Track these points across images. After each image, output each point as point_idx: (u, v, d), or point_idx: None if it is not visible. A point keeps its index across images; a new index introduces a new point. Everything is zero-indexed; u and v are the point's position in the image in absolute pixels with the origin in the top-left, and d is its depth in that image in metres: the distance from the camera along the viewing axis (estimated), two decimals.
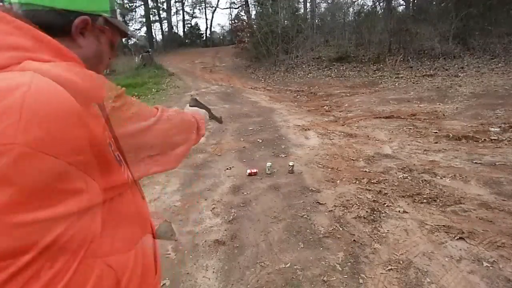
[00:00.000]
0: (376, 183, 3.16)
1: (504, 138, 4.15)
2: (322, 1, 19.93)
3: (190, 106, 1.04)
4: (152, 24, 26.17)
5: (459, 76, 8.69)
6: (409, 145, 4.24)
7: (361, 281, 1.91)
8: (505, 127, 4.52)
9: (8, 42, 0.48)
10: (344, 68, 12.08)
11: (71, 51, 0.54)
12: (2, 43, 0.47)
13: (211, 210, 2.83)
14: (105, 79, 0.54)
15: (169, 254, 2.25)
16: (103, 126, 0.51)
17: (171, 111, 0.71)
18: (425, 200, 2.78)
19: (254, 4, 19.02)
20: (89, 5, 0.58)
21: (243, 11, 22.08)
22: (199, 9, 32.54)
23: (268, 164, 3.58)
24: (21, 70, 0.45)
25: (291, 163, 3.56)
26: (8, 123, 0.40)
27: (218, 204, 2.93)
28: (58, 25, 0.55)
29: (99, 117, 0.50)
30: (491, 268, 1.94)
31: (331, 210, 2.71)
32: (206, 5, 29.23)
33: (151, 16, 25.70)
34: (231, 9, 29.07)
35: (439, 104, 6.27)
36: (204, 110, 1.05)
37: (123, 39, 0.77)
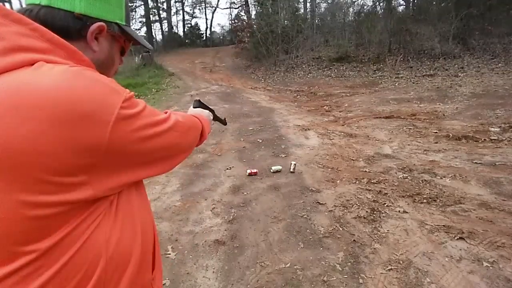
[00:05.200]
0: (376, 183, 3.16)
1: (504, 138, 4.15)
2: (322, 1, 19.94)
3: (194, 107, 1.03)
4: (152, 24, 26.15)
5: (459, 76, 8.69)
6: (409, 145, 4.25)
7: (361, 281, 1.91)
8: (505, 127, 4.52)
9: (22, 43, 0.49)
10: (344, 68, 12.08)
11: (84, 55, 0.57)
12: (16, 44, 0.49)
13: (211, 210, 2.83)
14: (115, 82, 0.55)
15: (169, 254, 2.25)
16: None
17: (180, 116, 0.71)
18: (425, 200, 2.78)
19: (254, 4, 19.01)
20: (106, 13, 0.61)
21: (243, 11, 22.07)
22: (199, 9, 32.60)
23: (278, 167, 3.62)
24: (34, 70, 0.48)
25: (293, 163, 3.57)
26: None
27: (218, 204, 2.93)
28: (74, 29, 0.58)
29: None
30: (491, 268, 1.94)
31: (331, 210, 2.71)
32: (206, 5, 29.21)
33: (151, 16, 25.67)
34: (231, 9, 29.08)
35: (439, 104, 6.27)
36: (208, 111, 1.04)
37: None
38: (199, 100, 1.05)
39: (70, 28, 0.57)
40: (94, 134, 0.47)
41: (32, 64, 0.48)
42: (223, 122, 1.24)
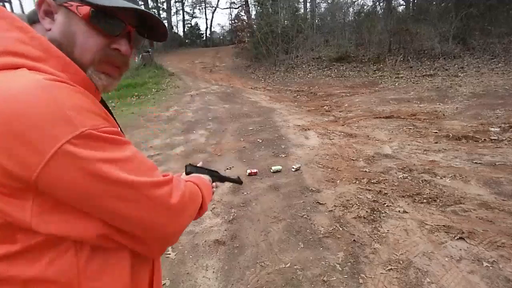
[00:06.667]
0: (376, 183, 3.16)
1: (504, 138, 4.15)
2: (322, 1, 19.94)
3: (187, 173, 0.86)
4: None
5: (459, 76, 8.69)
6: (409, 145, 4.24)
7: (361, 281, 1.91)
8: (505, 127, 4.52)
9: (15, 49, 0.48)
10: (344, 68, 12.08)
11: (75, 65, 0.52)
12: (9, 49, 0.48)
13: (211, 210, 2.83)
14: (83, 111, 0.45)
15: (169, 254, 2.25)
16: None
17: (182, 185, 0.58)
18: (425, 200, 2.78)
19: (254, 4, 19.03)
20: None
21: (243, 11, 22.08)
22: (199, 9, 32.61)
23: (278, 167, 3.65)
24: (9, 73, 0.46)
25: (296, 166, 3.61)
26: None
27: (218, 204, 2.93)
28: (34, 12, 0.56)
29: None
30: (491, 268, 1.94)
31: (331, 210, 2.71)
32: (206, 5, 29.26)
33: None
34: (231, 9, 29.09)
35: (439, 104, 6.27)
36: (207, 176, 0.87)
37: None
38: (190, 164, 0.87)
39: (35, 12, 0.55)
40: (23, 160, 0.41)
41: (16, 68, 0.47)
42: (238, 181, 1.04)
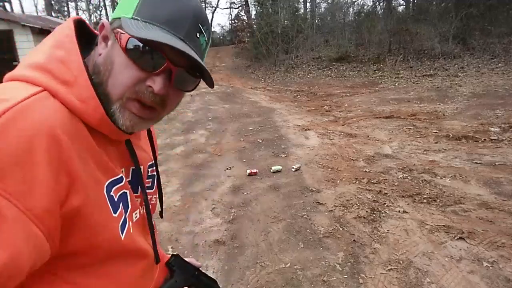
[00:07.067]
0: (376, 183, 3.16)
1: (504, 138, 4.15)
2: (322, 1, 19.94)
3: (167, 264, 0.67)
4: None
5: (459, 76, 8.69)
6: (409, 145, 4.25)
7: (361, 281, 1.91)
8: (505, 127, 4.52)
9: (49, 67, 0.46)
10: (344, 68, 12.09)
11: (97, 101, 0.48)
12: (46, 66, 0.46)
13: (211, 210, 2.83)
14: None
15: (169, 254, 2.24)
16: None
17: None
18: (425, 200, 2.78)
19: (254, 4, 19.03)
20: (121, 10, 0.52)
21: (243, 11, 22.10)
22: None
23: (278, 167, 3.65)
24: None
25: (296, 166, 3.61)
26: None
27: (218, 204, 2.93)
28: None
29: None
30: (491, 268, 1.94)
31: (331, 210, 2.72)
32: (206, 5, 29.23)
33: None
34: (231, 9, 29.06)
35: (439, 104, 6.28)
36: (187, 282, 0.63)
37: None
38: (177, 256, 0.68)
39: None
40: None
41: (34, 85, 0.45)
42: None
